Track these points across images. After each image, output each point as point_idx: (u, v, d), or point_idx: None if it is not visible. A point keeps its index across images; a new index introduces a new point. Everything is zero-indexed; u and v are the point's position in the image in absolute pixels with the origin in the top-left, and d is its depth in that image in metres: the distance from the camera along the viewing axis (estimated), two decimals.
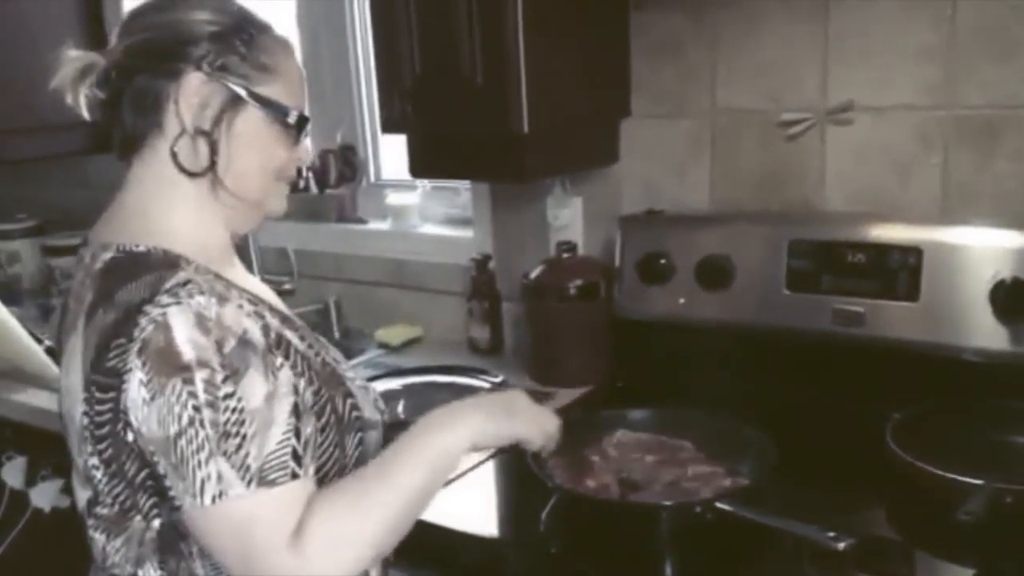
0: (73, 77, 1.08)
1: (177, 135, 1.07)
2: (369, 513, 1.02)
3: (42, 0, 2.50)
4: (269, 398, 0.98)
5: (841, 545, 1.12)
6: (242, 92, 1.07)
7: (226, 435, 0.95)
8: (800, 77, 1.70)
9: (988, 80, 1.55)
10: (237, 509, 0.97)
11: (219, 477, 0.95)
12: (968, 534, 1.16)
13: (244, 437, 0.96)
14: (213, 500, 0.96)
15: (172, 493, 0.99)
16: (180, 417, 0.95)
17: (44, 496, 2.03)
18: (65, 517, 1.97)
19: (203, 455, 0.95)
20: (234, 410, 0.96)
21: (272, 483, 0.97)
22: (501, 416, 1.16)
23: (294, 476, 0.98)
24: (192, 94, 1.06)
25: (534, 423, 1.19)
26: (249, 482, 0.96)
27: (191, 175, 1.08)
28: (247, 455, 0.96)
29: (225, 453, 0.95)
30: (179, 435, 0.95)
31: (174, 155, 1.07)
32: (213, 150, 1.07)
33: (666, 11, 1.79)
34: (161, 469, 0.98)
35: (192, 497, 0.96)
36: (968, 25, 1.54)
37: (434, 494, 1.07)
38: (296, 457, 0.99)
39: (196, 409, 0.95)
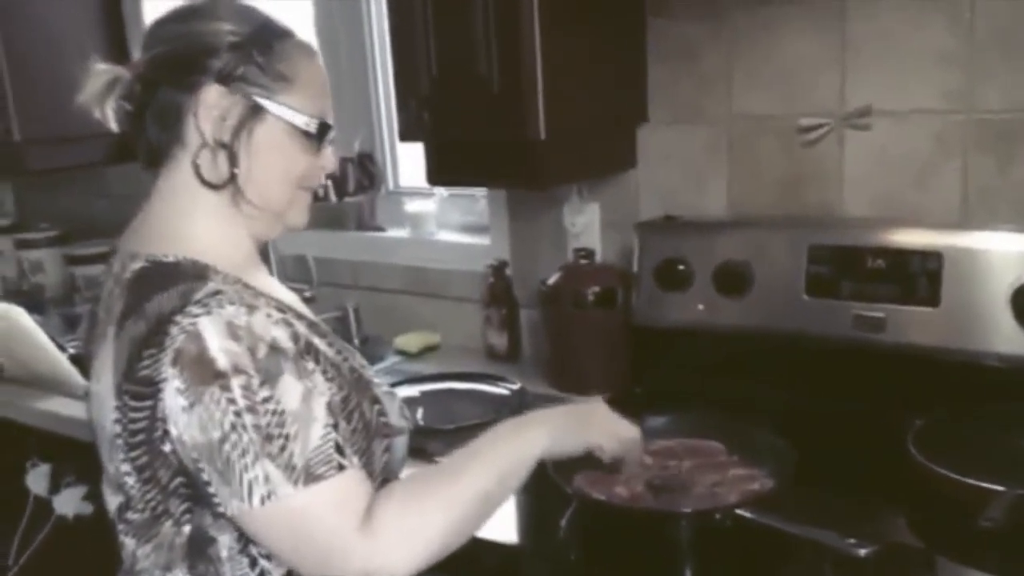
0: (100, 91, 1.09)
1: (198, 147, 1.08)
2: (440, 506, 1.05)
3: (64, 8, 2.52)
4: (306, 398, 1.00)
5: (862, 552, 1.12)
6: (261, 102, 1.08)
7: (269, 437, 0.97)
8: (817, 82, 1.69)
9: (1007, 84, 1.54)
10: (289, 507, 0.98)
11: (266, 478, 0.97)
12: (990, 541, 1.15)
13: (287, 438, 0.97)
14: (262, 501, 0.97)
15: (217, 500, 1.00)
16: (222, 423, 0.96)
17: (67, 503, 2.05)
18: (88, 524, 1.98)
19: (248, 459, 0.96)
20: (274, 412, 0.97)
21: (319, 478, 0.99)
22: (575, 426, 1.20)
23: (341, 468, 1.00)
24: (211, 106, 1.07)
25: (609, 432, 1.23)
26: (296, 481, 0.97)
27: (212, 187, 1.09)
28: (291, 455, 0.97)
29: (270, 455, 0.97)
30: (223, 440, 0.96)
31: (196, 167, 1.08)
32: (233, 162, 1.08)
33: (683, 17, 1.79)
34: (206, 476, 0.99)
35: (240, 500, 0.97)
36: (987, 29, 1.53)
37: (504, 498, 1.12)
38: (339, 450, 1.01)
39: (237, 414, 0.96)
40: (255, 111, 1.08)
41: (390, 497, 1.04)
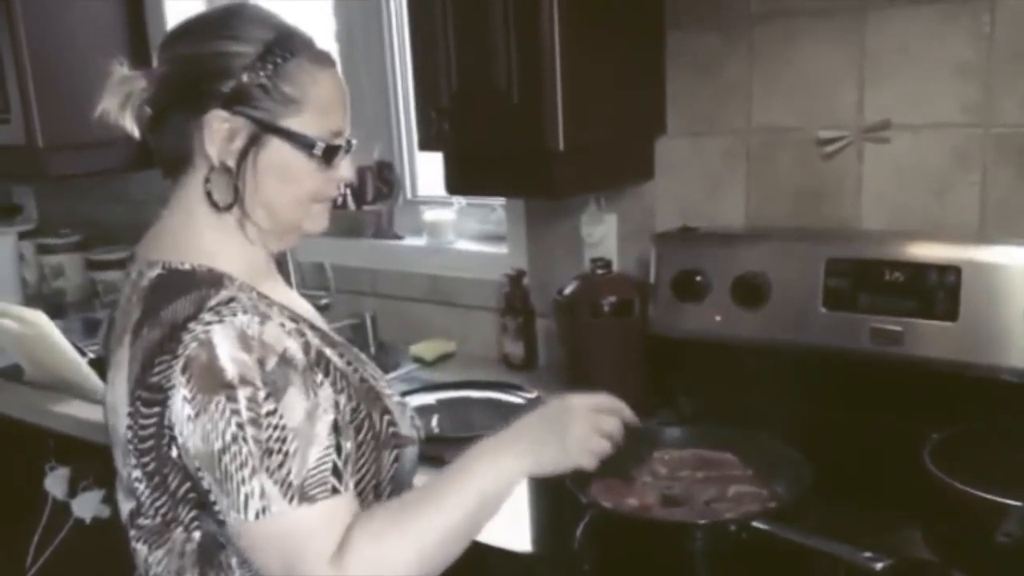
0: (116, 106, 1.11)
1: (208, 170, 1.09)
2: (414, 536, 1.02)
3: (88, 15, 2.55)
4: (310, 415, 1.00)
5: (878, 566, 1.11)
6: (266, 126, 1.07)
7: (269, 452, 0.97)
8: (836, 95, 1.69)
9: None
10: (280, 524, 0.98)
11: (262, 493, 0.97)
12: (1007, 556, 1.14)
13: (286, 454, 0.98)
14: (257, 516, 0.97)
15: (217, 507, 1.01)
16: (224, 433, 0.97)
17: (85, 507, 2.06)
18: (105, 528, 2.00)
19: (247, 471, 0.97)
20: (276, 427, 0.97)
21: (313, 499, 0.98)
22: (554, 446, 1.11)
23: (334, 491, 1.00)
24: (216, 131, 1.06)
25: (584, 450, 1.13)
26: (291, 499, 0.97)
27: (218, 209, 1.09)
28: (289, 472, 0.97)
29: (268, 470, 0.97)
30: (223, 451, 0.97)
31: (207, 190, 1.09)
32: (238, 185, 1.08)
33: (702, 29, 1.80)
34: (206, 484, 1.00)
35: (236, 512, 0.98)
36: (1007, 42, 1.53)
37: (483, 524, 1.08)
38: (336, 473, 1.00)
39: (239, 426, 0.96)
40: (260, 135, 1.07)
41: (365, 526, 1.01)
